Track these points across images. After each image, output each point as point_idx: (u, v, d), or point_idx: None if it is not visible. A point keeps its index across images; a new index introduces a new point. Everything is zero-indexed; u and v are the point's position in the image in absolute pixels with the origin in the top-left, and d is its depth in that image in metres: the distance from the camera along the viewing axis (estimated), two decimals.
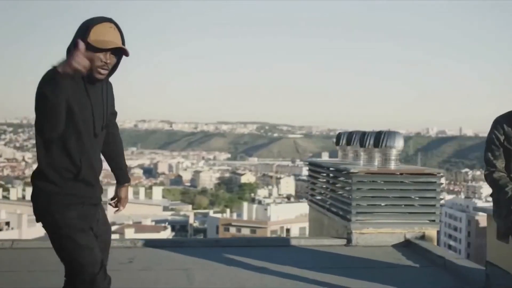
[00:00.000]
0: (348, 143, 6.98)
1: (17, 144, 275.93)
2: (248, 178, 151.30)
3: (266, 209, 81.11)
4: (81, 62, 2.28)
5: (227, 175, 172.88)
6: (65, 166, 2.52)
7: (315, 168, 7.48)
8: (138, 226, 69.59)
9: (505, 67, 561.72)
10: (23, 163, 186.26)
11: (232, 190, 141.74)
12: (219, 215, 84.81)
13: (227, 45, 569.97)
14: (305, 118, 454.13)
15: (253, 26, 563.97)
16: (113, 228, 69.14)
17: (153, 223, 75.24)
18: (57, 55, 2.41)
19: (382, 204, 5.85)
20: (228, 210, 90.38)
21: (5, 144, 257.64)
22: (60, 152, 2.51)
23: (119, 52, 2.58)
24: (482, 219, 71.18)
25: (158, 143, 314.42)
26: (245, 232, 71.01)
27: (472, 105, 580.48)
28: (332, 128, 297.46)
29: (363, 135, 6.43)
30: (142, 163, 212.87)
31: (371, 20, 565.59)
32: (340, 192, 6.43)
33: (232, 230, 73.33)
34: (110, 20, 2.56)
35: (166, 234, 68.04)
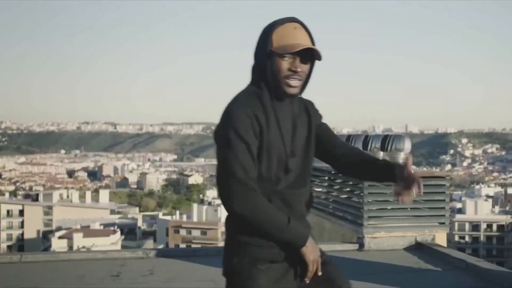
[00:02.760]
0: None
1: None
2: (195, 179, 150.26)
3: (216, 210, 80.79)
4: None
5: (174, 176, 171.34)
6: None
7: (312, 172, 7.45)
8: (87, 231, 68.05)
9: (450, 62, 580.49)
10: None
11: (180, 191, 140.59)
12: (168, 217, 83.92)
13: (169, 43, 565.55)
14: None
15: (194, 20, 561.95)
16: (60, 233, 67.50)
17: (102, 227, 73.74)
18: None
19: (393, 208, 5.91)
20: (177, 212, 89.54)
21: None
22: None
23: (309, 57, 2.03)
24: None
25: (103, 146, 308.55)
26: (196, 233, 70.72)
27: (417, 102, 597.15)
28: None
29: (365, 138, 6.48)
30: (86, 166, 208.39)
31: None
32: (345, 196, 6.46)
33: (183, 232, 72.83)
34: (293, 20, 2.04)
35: (116, 237, 66.89)
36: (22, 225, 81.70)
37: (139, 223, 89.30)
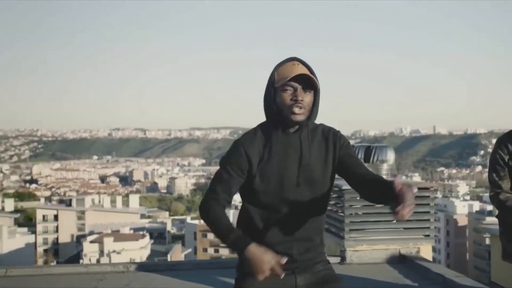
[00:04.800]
0: None
1: None
2: None
3: None
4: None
5: (202, 180, 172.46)
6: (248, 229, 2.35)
7: None
8: (117, 235, 69.03)
9: (478, 64, 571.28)
10: (0, 175, 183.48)
11: None
12: (196, 221, 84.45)
13: (197, 49, 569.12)
14: None
15: (232, 38, 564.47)
16: (92, 237, 68.53)
17: (132, 231, 74.62)
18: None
19: (375, 221, 5.83)
20: None
21: None
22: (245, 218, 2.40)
23: (310, 87, 2.28)
24: (461, 218, 72.02)
25: (133, 151, 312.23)
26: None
27: (445, 103, 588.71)
28: None
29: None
30: (117, 171, 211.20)
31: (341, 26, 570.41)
32: (330, 209, 6.40)
33: (210, 236, 73.08)
34: (293, 59, 2.34)
35: (145, 242, 67.59)
36: (57, 230, 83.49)
37: (168, 227, 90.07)
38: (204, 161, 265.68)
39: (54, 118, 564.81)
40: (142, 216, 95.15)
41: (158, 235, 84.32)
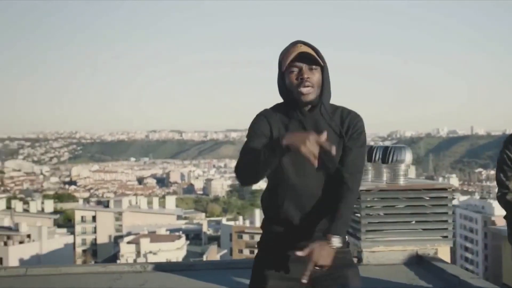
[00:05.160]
0: None
1: (35, 158, 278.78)
2: (259, 184, 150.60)
3: None
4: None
5: (238, 182, 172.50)
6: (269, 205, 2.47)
7: None
8: (153, 236, 69.82)
9: None
10: (41, 177, 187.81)
11: (244, 197, 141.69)
12: (232, 223, 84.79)
13: (231, 50, 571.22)
14: None
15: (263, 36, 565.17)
16: (129, 238, 69.50)
17: (168, 232, 75.38)
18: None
19: (392, 221, 5.77)
20: (240, 218, 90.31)
21: (23, 159, 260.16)
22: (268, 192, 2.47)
23: (316, 65, 2.33)
24: (499, 219, 70.41)
25: (170, 153, 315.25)
26: (258, 239, 70.78)
27: (483, 103, 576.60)
28: None
29: (370, 150, 6.36)
30: (154, 173, 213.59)
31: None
32: None
33: (245, 237, 73.30)
34: (297, 42, 2.38)
35: (181, 243, 68.13)
36: (95, 231, 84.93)
37: (204, 228, 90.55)
38: None
39: (92, 121, 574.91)
40: (179, 217, 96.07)
41: (194, 236, 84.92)
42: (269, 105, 2.50)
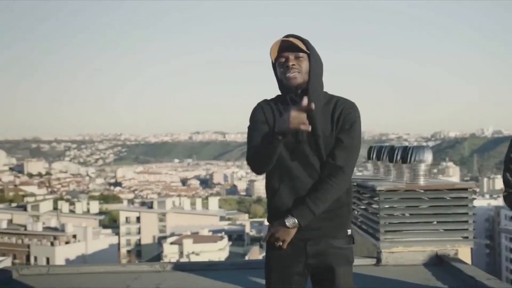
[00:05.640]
0: (378, 157, 6.81)
1: (81, 160, 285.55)
2: None
3: None
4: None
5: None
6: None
7: None
8: (196, 237, 70.36)
9: None
10: (87, 178, 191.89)
11: None
12: None
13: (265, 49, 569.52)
14: None
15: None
16: (172, 239, 70.33)
17: (210, 233, 75.85)
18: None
19: (412, 222, 5.69)
20: None
21: (70, 160, 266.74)
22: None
23: (301, 52, 2.43)
24: None
25: (213, 154, 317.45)
26: None
27: None
28: (384, 132, 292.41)
29: (391, 150, 6.28)
30: (198, 174, 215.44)
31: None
32: (363, 208, 6.32)
33: None
34: (287, 35, 2.48)
35: (223, 243, 68.46)
36: (139, 231, 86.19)
37: (247, 229, 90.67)
38: None
39: (137, 122, 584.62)
40: (222, 218, 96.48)
41: (237, 237, 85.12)
42: None
